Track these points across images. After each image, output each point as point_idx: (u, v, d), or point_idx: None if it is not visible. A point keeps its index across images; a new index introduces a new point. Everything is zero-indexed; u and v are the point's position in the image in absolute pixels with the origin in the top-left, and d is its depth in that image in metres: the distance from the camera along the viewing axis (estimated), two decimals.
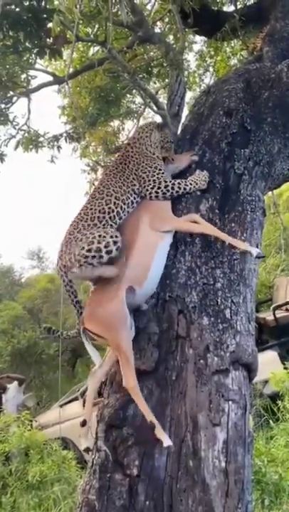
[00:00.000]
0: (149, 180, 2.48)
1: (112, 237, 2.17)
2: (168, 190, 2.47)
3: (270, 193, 4.01)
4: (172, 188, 2.47)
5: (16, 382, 7.92)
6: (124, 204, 2.43)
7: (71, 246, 2.23)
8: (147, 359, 2.07)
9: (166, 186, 2.46)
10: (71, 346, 12.66)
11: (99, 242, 2.14)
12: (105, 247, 2.13)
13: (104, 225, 2.33)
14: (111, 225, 2.35)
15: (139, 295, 2.21)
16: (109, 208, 2.38)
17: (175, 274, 2.32)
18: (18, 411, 6.66)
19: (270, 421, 5.19)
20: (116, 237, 2.18)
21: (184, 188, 2.49)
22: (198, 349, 2.09)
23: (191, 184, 2.50)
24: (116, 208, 2.39)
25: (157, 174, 2.50)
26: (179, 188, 2.48)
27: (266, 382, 5.57)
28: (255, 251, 2.31)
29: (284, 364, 5.62)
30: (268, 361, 5.66)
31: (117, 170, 2.52)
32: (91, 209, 2.38)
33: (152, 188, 2.46)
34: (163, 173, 2.52)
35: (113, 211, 2.38)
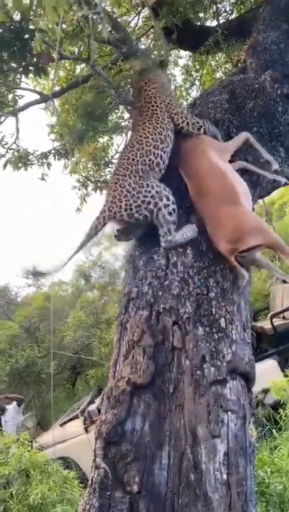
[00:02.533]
0: (183, 114, 2.66)
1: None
2: (197, 122, 2.69)
3: (261, 201, 4.04)
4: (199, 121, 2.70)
5: (14, 403, 7.81)
6: (158, 155, 2.50)
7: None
8: (143, 372, 2.05)
9: (194, 118, 2.69)
10: (70, 364, 12.57)
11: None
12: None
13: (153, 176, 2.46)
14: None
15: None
16: (150, 159, 2.46)
17: (168, 285, 2.31)
18: (17, 432, 6.55)
19: (273, 430, 5.13)
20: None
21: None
22: (195, 360, 2.07)
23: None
24: (155, 159, 2.48)
25: (183, 108, 2.72)
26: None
27: (267, 391, 5.53)
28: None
29: (284, 372, 5.60)
30: (267, 370, 5.63)
31: (148, 113, 2.59)
32: (132, 159, 2.44)
33: (188, 121, 2.65)
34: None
35: (158, 164, 2.49)
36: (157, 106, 2.62)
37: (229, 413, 1.98)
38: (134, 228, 2.52)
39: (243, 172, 2.72)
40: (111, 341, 8.65)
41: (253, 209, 2.83)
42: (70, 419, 7.25)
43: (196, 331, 2.14)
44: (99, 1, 2.16)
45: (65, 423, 7.25)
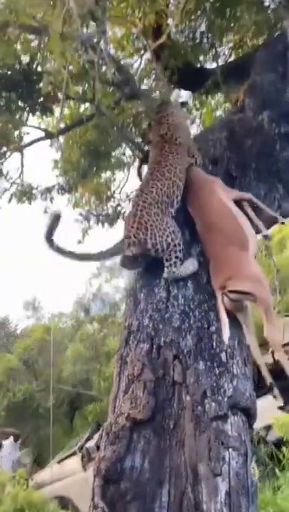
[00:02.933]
0: (195, 149, 2.82)
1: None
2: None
3: (259, 236, 4.08)
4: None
5: (11, 438, 7.62)
6: (179, 188, 2.61)
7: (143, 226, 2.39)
8: (143, 408, 2.03)
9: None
10: (69, 398, 12.32)
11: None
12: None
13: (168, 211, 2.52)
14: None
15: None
16: (173, 192, 2.55)
17: (169, 318, 2.32)
18: (13, 468, 6.37)
19: (276, 469, 4.98)
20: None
21: None
22: (196, 395, 2.05)
23: None
24: (177, 192, 2.57)
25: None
26: None
27: (269, 427, 5.39)
28: None
29: (283, 409, 5.48)
30: (269, 406, 5.52)
31: (173, 142, 2.71)
32: (160, 189, 2.52)
33: (197, 157, 2.81)
34: None
35: (177, 197, 2.57)
36: (180, 137, 2.75)
37: (230, 450, 1.94)
38: (143, 258, 2.56)
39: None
40: (110, 375, 8.53)
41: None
42: (68, 456, 7.06)
43: (197, 365, 2.13)
44: (104, 46, 2.28)
45: (62, 460, 7.04)
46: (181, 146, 2.73)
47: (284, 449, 4.94)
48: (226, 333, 2.21)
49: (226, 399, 2.05)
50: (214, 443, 1.94)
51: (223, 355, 2.19)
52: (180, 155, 2.69)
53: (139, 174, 3.38)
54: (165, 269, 2.43)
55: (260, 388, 6.53)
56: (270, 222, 3.00)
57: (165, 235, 2.41)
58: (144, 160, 3.10)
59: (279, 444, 5.22)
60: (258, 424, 4.99)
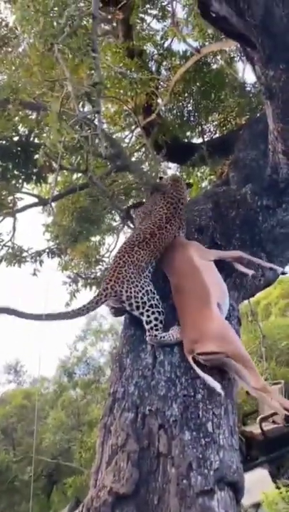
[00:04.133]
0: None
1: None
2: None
3: (246, 301, 4.15)
4: None
5: None
6: (157, 258, 2.84)
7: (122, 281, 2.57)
8: (127, 481, 1.95)
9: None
10: (47, 470, 11.56)
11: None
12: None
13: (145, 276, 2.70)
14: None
15: (224, 310, 2.52)
16: (151, 260, 2.77)
17: (155, 385, 2.30)
18: None
19: None
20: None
21: None
22: (181, 467, 1.99)
23: None
24: (153, 261, 2.80)
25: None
26: None
27: (259, 505, 5.10)
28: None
29: (276, 483, 5.22)
30: (258, 481, 5.26)
31: (171, 210, 2.93)
32: (142, 257, 2.72)
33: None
34: None
35: (152, 263, 2.79)
36: (182, 211, 3.00)
37: None
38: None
39: (227, 274, 2.87)
40: (92, 446, 8.12)
41: (238, 310, 2.93)
42: None
43: (183, 436, 2.09)
44: (98, 124, 2.45)
45: None
46: (179, 220, 2.95)
47: None
48: (215, 384, 2.19)
49: (212, 472, 1.99)
50: None
51: (209, 425, 2.16)
52: (173, 228, 2.90)
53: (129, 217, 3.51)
54: (146, 332, 2.49)
55: (249, 461, 6.27)
56: (256, 287, 3.09)
57: (141, 292, 2.55)
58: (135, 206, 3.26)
59: None
60: (247, 501, 4.76)
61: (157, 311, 2.53)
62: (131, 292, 2.55)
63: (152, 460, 2.05)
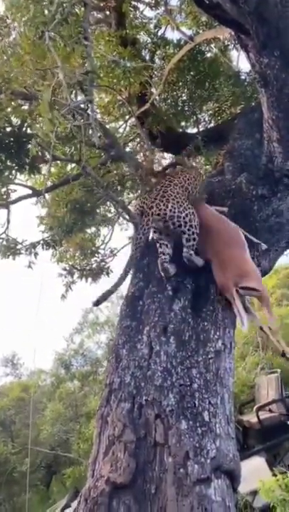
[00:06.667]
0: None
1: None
2: None
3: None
4: None
5: None
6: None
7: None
8: (124, 470, 1.96)
9: None
10: (46, 462, 11.63)
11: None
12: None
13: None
14: None
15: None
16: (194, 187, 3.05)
17: (151, 375, 2.30)
18: None
19: None
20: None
21: None
22: (178, 457, 2.00)
23: None
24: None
25: None
26: None
27: (256, 493, 5.13)
28: None
29: (272, 471, 5.26)
30: (255, 469, 5.30)
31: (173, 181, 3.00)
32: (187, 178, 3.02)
33: None
34: None
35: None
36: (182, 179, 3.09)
37: None
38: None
39: None
40: (90, 437, 8.16)
41: None
42: None
43: (179, 425, 2.10)
44: (91, 113, 2.42)
45: None
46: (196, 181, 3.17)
47: None
48: (244, 322, 2.53)
49: (208, 460, 2.00)
50: (197, 509, 1.86)
51: (205, 414, 2.17)
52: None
53: None
54: (184, 248, 2.73)
55: (246, 449, 6.32)
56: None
57: (184, 213, 2.73)
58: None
59: (266, 510, 4.96)
60: (243, 489, 4.79)
61: (196, 233, 2.74)
62: (175, 211, 2.71)
63: (149, 450, 2.05)
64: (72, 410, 12.08)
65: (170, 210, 2.71)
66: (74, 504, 5.88)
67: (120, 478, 1.94)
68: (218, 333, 2.55)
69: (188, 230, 2.72)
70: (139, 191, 3.31)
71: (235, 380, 2.71)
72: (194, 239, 2.73)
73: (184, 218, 2.72)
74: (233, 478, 2.07)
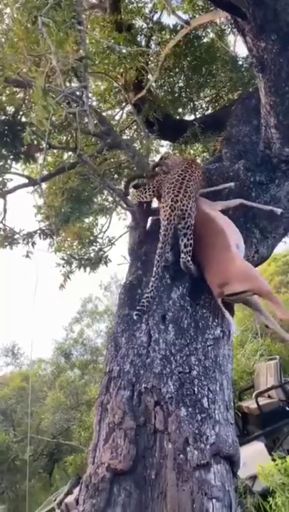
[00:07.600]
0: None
1: None
2: None
3: None
4: None
5: None
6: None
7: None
8: (124, 457, 1.98)
9: None
10: (48, 450, 11.76)
11: None
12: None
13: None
14: None
15: (242, 251, 2.68)
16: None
17: (150, 363, 2.31)
18: None
19: None
20: None
21: None
22: (177, 443, 2.02)
23: None
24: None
25: None
26: None
27: (255, 477, 5.20)
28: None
29: (272, 456, 5.32)
30: (255, 454, 5.37)
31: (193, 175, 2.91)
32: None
33: None
34: None
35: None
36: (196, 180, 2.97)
37: (214, 501, 1.89)
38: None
39: None
40: (91, 425, 8.22)
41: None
42: None
43: (179, 412, 2.11)
44: (86, 99, 2.39)
45: None
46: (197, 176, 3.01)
47: (270, 499, 4.75)
48: (232, 326, 2.51)
49: (208, 446, 2.02)
50: (197, 494, 1.89)
51: (204, 401, 2.18)
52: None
53: None
54: (182, 254, 2.63)
55: (245, 435, 6.40)
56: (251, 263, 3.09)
57: (192, 216, 2.66)
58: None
59: (266, 494, 5.03)
60: (243, 474, 4.85)
61: (193, 239, 2.65)
62: (191, 213, 2.66)
63: (149, 436, 2.07)
64: (72, 399, 12.18)
65: (190, 209, 2.65)
66: (76, 490, 5.96)
67: (120, 465, 1.96)
68: (216, 321, 2.56)
69: (190, 234, 2.64)
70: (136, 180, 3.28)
71: (235, 367, 2.70)
72: (191, 244, 2.63)
73: (190, 221, 2.65)
74: (232, 463, 2.09)
